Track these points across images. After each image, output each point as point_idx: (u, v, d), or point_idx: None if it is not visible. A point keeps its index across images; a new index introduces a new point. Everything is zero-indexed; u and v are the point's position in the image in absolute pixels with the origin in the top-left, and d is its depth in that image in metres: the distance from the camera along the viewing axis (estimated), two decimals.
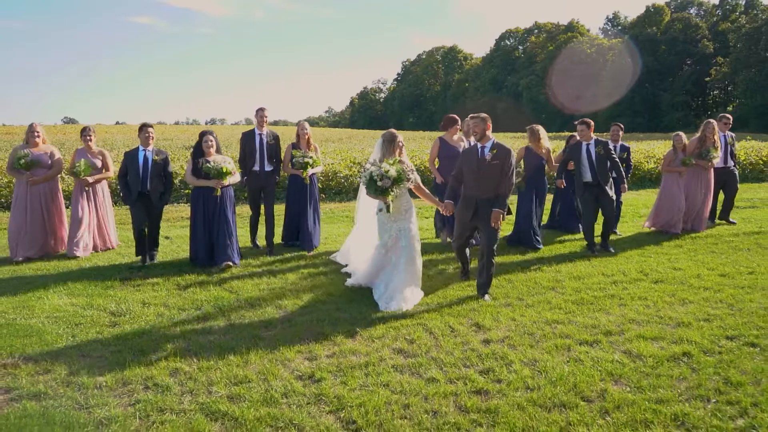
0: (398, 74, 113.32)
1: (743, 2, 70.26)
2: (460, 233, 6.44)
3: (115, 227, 8.71)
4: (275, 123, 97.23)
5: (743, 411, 3.63)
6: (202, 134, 7.49)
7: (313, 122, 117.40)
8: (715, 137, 9.35)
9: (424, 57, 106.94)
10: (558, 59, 72.48)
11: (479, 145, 6.14)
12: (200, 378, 4.18)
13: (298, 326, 5.26)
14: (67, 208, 8.45)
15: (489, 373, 4.23)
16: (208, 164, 7.17)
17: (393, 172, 5.88)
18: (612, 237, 8.82)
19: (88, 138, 8.24)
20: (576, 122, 8.42)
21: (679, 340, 4.81)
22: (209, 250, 7.36)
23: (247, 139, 8.20)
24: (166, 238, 9.12)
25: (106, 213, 8.41)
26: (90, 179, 8.07)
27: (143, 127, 7.67)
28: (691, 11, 74.51)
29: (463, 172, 6.27)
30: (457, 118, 8.43)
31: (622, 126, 9.95)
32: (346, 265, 7.28)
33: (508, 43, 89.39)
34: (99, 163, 8.23)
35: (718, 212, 10.29)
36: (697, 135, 9.47)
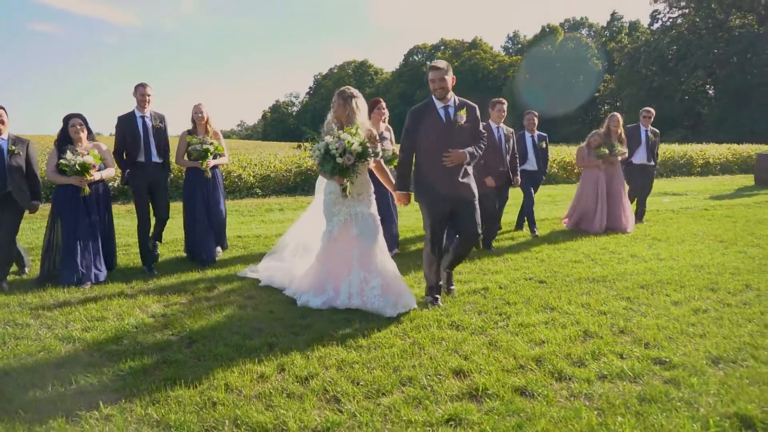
0: (310, 88, 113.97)
1: (627, 24, 76.93)
2: (438, 229, 4.94)
3: None
4: None
5: (506, 318, 4.63)
6: (68, 118, 6.04)
7: (225, 135, 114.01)
8: (620, 130, 9.32)
9: (336, 71, 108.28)
10: (462, 75, 75.89)
11: (440, 105, 4.85)
12: (59, 318, 4.69)
13: (161, 281, 5.86)
14: None
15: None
16: (63, 160, 5.78)
17: (357, 145, 4.74)
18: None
19: None
20: (493, 99, 8.00)
21: (486, 281, 5.82)
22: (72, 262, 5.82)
23: (125, 123, 6.38)
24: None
25: None
26: None
27: None
28: (583, 32, 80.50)
29: (418, 147, 4.92)
30: (379, 99, 7.59)
31: (536, 113, 9.35)
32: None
33: (416, 58, 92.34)
34: None
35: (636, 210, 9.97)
36: (602, 129, 9.44)
